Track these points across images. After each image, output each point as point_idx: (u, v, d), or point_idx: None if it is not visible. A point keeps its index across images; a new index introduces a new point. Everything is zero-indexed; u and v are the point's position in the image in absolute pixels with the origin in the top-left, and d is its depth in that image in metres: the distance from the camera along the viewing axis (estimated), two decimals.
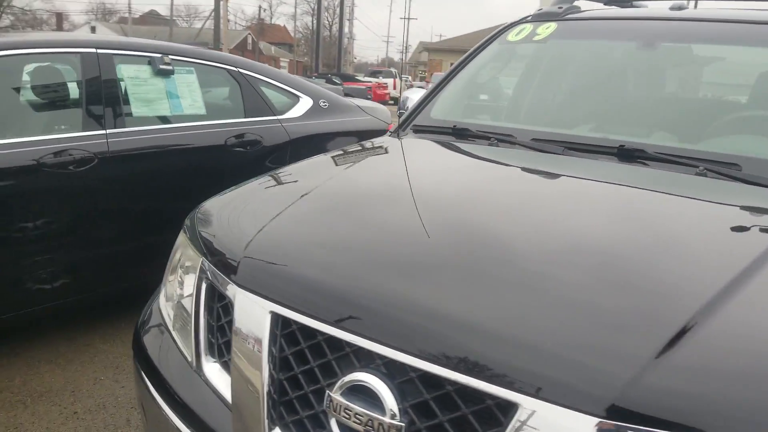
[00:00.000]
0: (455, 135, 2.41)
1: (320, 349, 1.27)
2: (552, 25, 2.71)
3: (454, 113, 2.62)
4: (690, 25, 2.42)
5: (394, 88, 33.98)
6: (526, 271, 1.29)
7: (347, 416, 1.17)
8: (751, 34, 2.27)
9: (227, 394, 1.42)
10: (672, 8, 2.62)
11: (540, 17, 2.82)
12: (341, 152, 2.38)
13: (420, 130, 2.58)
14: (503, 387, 1.06)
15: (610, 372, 1.01)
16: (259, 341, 1.33)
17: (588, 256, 1.35)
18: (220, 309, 1.52)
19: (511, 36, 2.82)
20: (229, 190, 2.01)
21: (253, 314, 1.36)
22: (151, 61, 3.52)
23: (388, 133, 2.71)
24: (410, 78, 56.46)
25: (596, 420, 0.98)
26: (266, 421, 1.30)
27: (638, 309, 1.14)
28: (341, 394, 1.19)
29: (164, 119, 3.53)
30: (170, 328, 1.71)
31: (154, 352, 1.69)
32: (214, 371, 1.51)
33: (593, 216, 1.60)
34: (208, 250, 1.61)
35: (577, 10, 2.80)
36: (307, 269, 1.39)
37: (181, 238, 1.81)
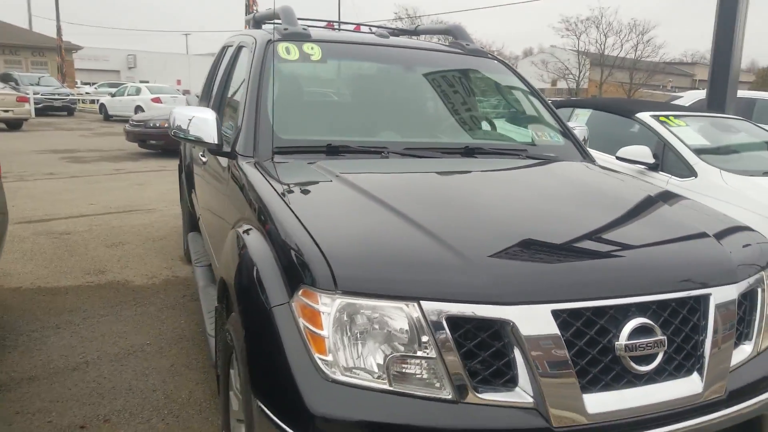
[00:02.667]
0: (328, 152, 2.70)
1: (592, 322, 1.76)
2: (314, 46, 3.16)
3: (301, 132, 2.79)
4: (427, 54, 3.39)
5: None
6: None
7: (634, 349, 1.78)
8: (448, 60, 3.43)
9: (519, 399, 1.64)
10: (378, 35, 3.49)
11: (289, 37, 3.18)
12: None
13: (290, 152, 2.67)
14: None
15: None
16: (551, 336, 1.70)
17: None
18: (485, 337, 1.65)
19: (284, 54, 3.08)
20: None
21: (537, 319, 1.65)
22: None
23: (251, 161, 2.63)
24: None
25: None
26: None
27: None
28: (626, 340, 1.76)
29: None
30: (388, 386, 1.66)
31: None
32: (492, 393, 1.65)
33: (489, 181, 2.70)
34: (434, 290, 1.66)
35: (304, 31, 3.29)
36: (552, 267, 1.83)
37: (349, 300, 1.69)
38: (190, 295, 4.75)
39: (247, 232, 2.19)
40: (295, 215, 1.97)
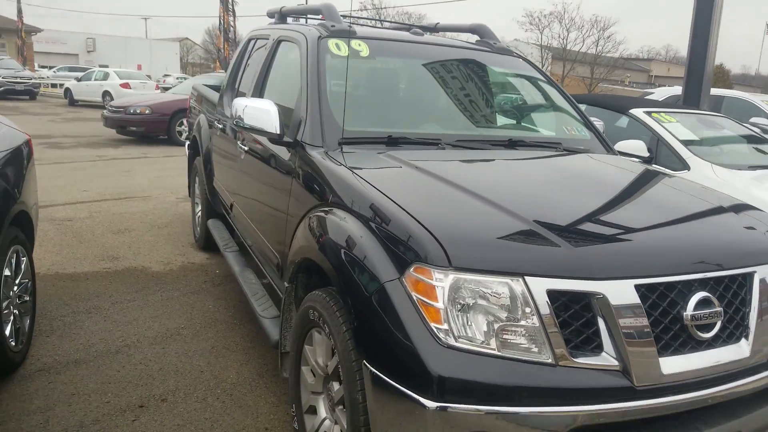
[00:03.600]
0: (389, 143, 2.90)
1: (664, 295, 2.03)
2: (361, 43, 3.33)
3: (360, 124, 2.95)
4: (461, 52, 3.59)
5: None
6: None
7: (698, 319, 2.05)
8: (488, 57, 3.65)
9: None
10: (413, 32, 3.68)
11: (337, 34, 3.35)
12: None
13: (354, 142, 2.85)
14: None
15: None
16: (634, 310, 1.94)
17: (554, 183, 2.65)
18: (578, 308, 1.87)
19: (335, 50, 3.25)
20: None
21: (623, 292, 1.90)
22: None
23: (320, 150, 2.80)
24: None
25: None
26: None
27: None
28: (692, 311, 2.04)
29: None
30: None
31: None
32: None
33: (546, 170, 2.93)
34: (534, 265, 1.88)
35: (350, 28, 3.46)
36: (634, 247, 2.07)
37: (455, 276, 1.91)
38: (211, 280, 4.88)
39: (334, 215, 2.37)
40: (391, 200, 2.16)
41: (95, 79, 24.98)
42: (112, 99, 22.75)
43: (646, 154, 5.53)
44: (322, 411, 2.48)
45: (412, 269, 1.91)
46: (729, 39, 47.35)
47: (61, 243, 5.63)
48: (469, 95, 3.50)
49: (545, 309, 1.81)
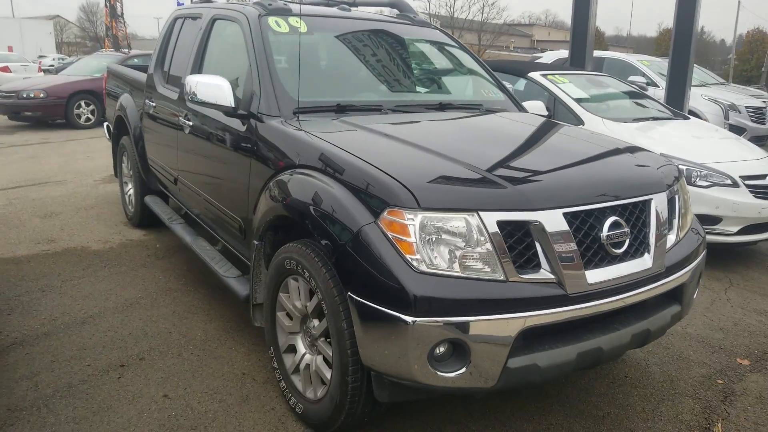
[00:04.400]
0: (337, 111, 3.26)
1: (585, 221, 2.56)
2: (298, 20, 3.64)
3: (308, 94, 3.26)
4: (387, 25, 3.98)
5: None
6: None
7: (612, 238, 2.59)
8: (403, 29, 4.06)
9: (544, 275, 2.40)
10: (340, 8, 4.03)
11: (275, 12, 3.64)
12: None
13: (306, 111, 3.18)
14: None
15: None
16: (563, 233, 2.46)
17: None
18: (520, 235, 2.35)
19: (276, 27, 3.54)
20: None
21: (555, 220, 2.43)
22: None
23: (278, 120, 3.11)
24: None
25: None
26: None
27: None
28: (607, 232, 2.57)
29: None
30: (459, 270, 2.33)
31: None
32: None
33: (479, 126, 3.38)
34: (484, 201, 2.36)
35: (285, 6, 3.76)
36: (560, 183, 2.56)
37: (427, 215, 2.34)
38: (154, 254, 5.05)
39: (305, 175, 2.71)
40: (358, 157, 2.54)
41: None
42: None
43: (546, 113, 6.17)
44: (301, 347, 2.85)
45: (386, 213, 2.30)
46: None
47: None
48: (400, 65, 3.89)
49: (496, 237, 2.26)
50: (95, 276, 4.55)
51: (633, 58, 12.42)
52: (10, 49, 39.50)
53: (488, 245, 2.27)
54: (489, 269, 2.27)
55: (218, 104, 3.24)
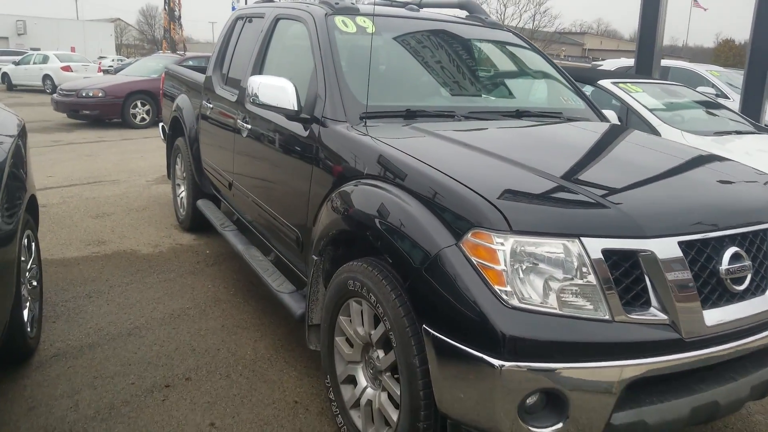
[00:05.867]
0: (407, 116, 2.97)
1: (702, 251, 2.16)
2: (366, 20, 3.38)
3: (377, 98, 2.97)
4: (458, 27, 3.68)
5: None
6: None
7: (732, 273, 2.21)
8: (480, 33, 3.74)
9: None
10: (409, 9, 3.75)
11: (342, 11, 3.38)
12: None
13: (374, 116, 2.90)
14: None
15: None
16: (678, 266, 2.07)
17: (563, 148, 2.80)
18: (627, 266, 1.96)
19: (343, 27, 3.28)
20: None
21: (669, 249, 2.07)
22: None
23: (344, 125, 2.85)
24: None
25: None
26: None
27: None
28: (727, 265, 2.18)
29: None
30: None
31: None
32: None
33: (558, 136, 3.03)
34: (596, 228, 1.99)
35: (353, 5, 3.50)
36: (675, 208, 2.19)
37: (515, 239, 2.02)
38: (204, 261, 4.86)
39: (375, 186, 2.43)
40: (436, 168, 2.24)
41: (34, 63, 23.96)
42: (53, 83, 22.00)
43: (618, 123, 5.76)
44: (363, 380, 2.56)
45: (470, 234, 1.99)
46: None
47: (42, 229, 5.46)
48: (471, 69, 3.59)
49: (601, 268, 1.93)
50: (143, 282, 4.36)
51: (702, 69, 11.81)
52: (73, 49, 40.79)
53: (591, 277, 1.93)
54: (591, 306, 1.94)
55: (281, 107, 3.00)
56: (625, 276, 1.98)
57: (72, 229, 5.56)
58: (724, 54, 54.91)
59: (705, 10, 44.11)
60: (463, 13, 4.19)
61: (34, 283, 3.45)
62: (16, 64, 24.89)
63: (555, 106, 3.63)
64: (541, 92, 3.79)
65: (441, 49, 3.56)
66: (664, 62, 12.30)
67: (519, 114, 3.26)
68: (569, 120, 3.38)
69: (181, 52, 18.78)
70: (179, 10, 23.97)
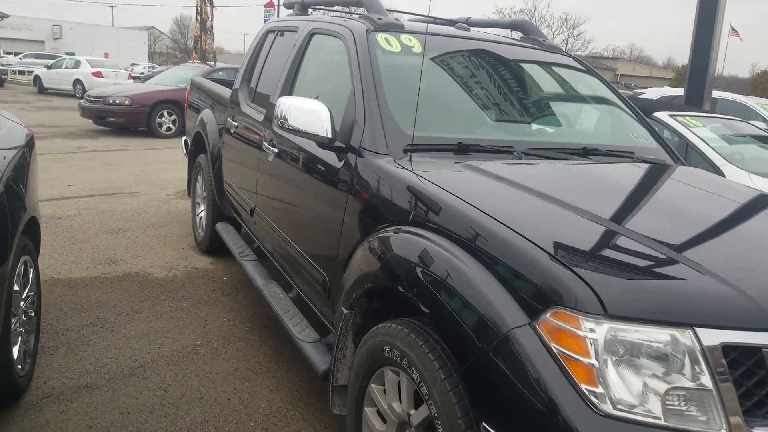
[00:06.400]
0: (457, 151, 2.57)
1: None
2: (411, 38, 3.00)
3: (423, 128, 2.60)
4: (512, 49, 3.28)
5: None
6: None
7: None
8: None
9: None
10: (458, 27, 3.35)
11: (384, 27, 3.01)
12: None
13: (420, 150, 2.51)
14: None
15: None
16: None
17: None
18: (750, 366, 1.53)
19: (386, 46, 2.90)
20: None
21: None
22: None
23: (386, 159, 2.45)
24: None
25: None
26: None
27: None
28: None
29: None
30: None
31: None
32: None
33: (644, 185, 2.61)
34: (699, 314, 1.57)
35: (397, 21, 3.13)
36: None
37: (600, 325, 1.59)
38: (220, 289, 4.49)
39: (424, 237, 2.03)
40: (503, 224, 1.83)
41: (66, 67, 24.08)
42: (83, 88, 22.04)
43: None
44: None
45: (548, 314, 1.58)
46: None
47: (53, 244, 5.17)
48: (532, 98, 3.19)
49: (719, 367, 1.50)
50: (153, 311, 4.00)
51: (752, 101, 11.26)
52: (106, 55, 41.29)
53: (706, 378, 1.50)
54: (704, 417, 1.50)
55: (313, 133, 2.62)
56: (745, 378, 1.54)
57: (84, 244, 5.23)
58: (761, 85, 53.73)
59: (741, 39, 43.21)
60: (517, 35, 3.79)
61: (31, 314, 3.10)
62: (48, 67, 25.03)
63: (625, 143, 3.19)
64: (606, 126, 3.37)
65: (494, 73, 3.15)
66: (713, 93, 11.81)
67: (586, 152, 2.84)
68: (644, 161, 2.95)
69: (212, 63, 18.68)
70: (211, 21, 23.93)
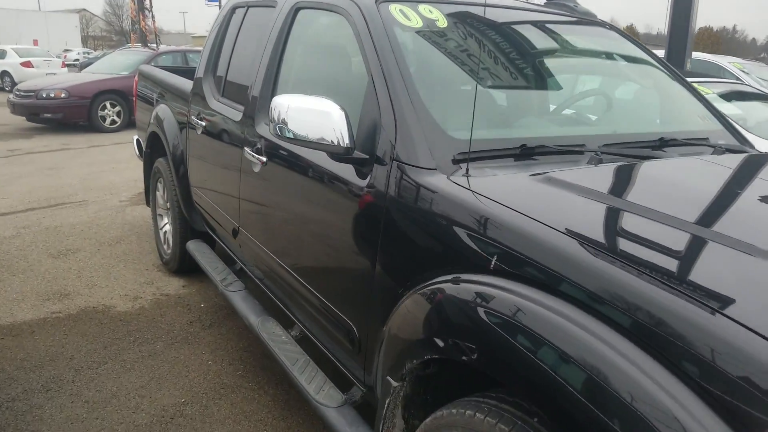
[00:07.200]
0: (519, 156, 1.96)
1: None
2: (432, 9, 2.36)
3: (467, 127, 1.97)
4: (550, 19, 2.65)
5: None
6: None
7: None
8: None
9: None
10: None
11: None
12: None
13: (473, 158, 1.88)
14: None
15: None
16: None
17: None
18: None
19: (403, 20, 2.25)
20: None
21: None
22: None
23: (436, 175, 1.82)
24: None
25: None
26: None
27: None
28: None
29: None
30: None
31: None
32: None
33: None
34: None
35: None
36: None
37: None
38: (198, 320, 3.80)
39: (511, 293, 1.41)
40: (676, 288, 1.23)
41: None
42: (12, 81, 20.54)
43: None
44: None
45: None
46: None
47: None
48: (584, 78, 2.59)
49: None
50: (121, 361, 3.30)
51: (724, 61, 10.91)
52: (36, 42, 38.96)
53: None
54: None
55: (327, 142, 1.97)
56: None
57: (27, 274, 4.44)
58: (702, 42, 54.59)
59: None
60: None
61: None
62: None
63: (694, 127, 2.63)
64: (670, 108, 2.78)
65: (543, 52, 2.53)
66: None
67: (663, 143, 2.27)
68: (728, 150, 2.40)
69: (153, 45, 17.52)
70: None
